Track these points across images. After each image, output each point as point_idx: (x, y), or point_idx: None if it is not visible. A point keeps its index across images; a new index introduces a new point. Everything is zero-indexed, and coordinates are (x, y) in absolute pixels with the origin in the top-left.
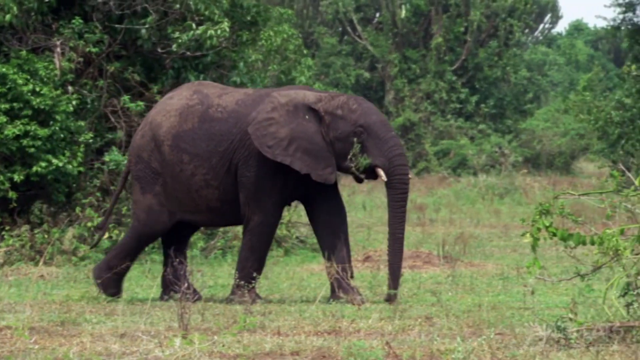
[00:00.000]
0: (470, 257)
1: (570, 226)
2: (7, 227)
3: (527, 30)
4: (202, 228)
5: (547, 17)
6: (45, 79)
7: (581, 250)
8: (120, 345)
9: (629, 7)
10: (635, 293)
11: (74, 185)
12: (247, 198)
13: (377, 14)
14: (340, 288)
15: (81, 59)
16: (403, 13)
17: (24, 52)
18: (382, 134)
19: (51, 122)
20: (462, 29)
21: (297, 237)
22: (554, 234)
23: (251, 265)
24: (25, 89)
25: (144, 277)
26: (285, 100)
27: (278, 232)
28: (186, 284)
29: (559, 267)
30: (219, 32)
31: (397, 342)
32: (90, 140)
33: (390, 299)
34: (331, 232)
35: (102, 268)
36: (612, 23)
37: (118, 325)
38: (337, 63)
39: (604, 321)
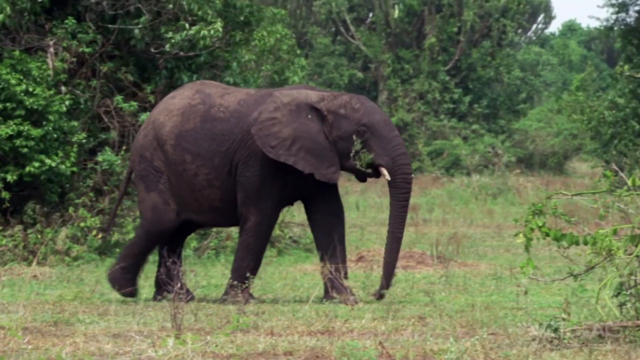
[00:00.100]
0: (464, 257)
1: (564, 226)
2: (0, 228)
3: (520, 31)
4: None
5: (540, 18)
6: (38, 79)
7: (574, 250)
8: (113, 346)
9: (622, 8)
10: (628, 293)
11: (67, 185)
12: (245, 198)
13: (370, 14)
14: (333, 288)
15: (74, 59)
16: (396, 13)
17: (17, 52)
18: (386, 133)
19: (44, 122)
20: (455, 29)
21: (290, 237)
22: (547, 234)
23: (247, 265)
24: (18, 89)
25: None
26: (287, 99)
27: None
28: (179, 284)
29: (552, 267)
30: (212, 32)
31: (390, 342)
32: (84, 141)
33: (380, 296)
34: (327, 232)
35: (115, 269)
36: (605, 23)
37: (111, 326)
38: (331, 63)
39: (597, 321)
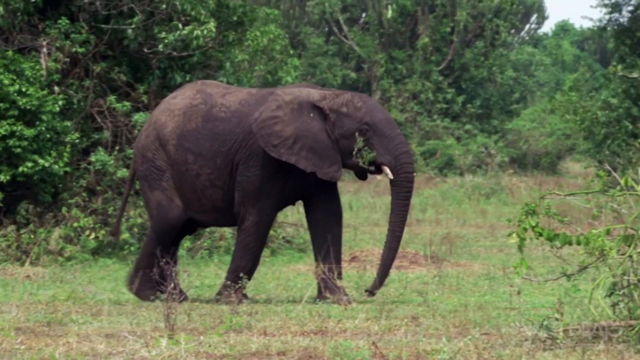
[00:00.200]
0: (457, 257)
1: (557, 226)
2: None
3: (513, 31)
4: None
5: (533, 18)
6: (31, 79)
7: (567, 250)
8: (106, 346)
9: (615, 8)
10: (621, 293)
11: (60, 185)
12: (244, 197)
13: (364, 14)
14: (326, 288)
15: (67, 59)
16: (389, 13)
17: (10, 52)
18: (388, 131)
19: (37, 123)
20: (449, 29)
21: (283, 237)
22: (540, 234)
23: (245, 265)
24: (11, 89)
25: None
26: (289, 98)
27: None
28: (172, 284)
29: (545, 267)
30: (205, 32)
31: (383, 342)
32: (77, 141)
33: (371, 293)
34: (324, 232)
35: (133, 273)
36: (598, 24)
37: (104, 326)
38: (324, 63)
39: (590, 321)
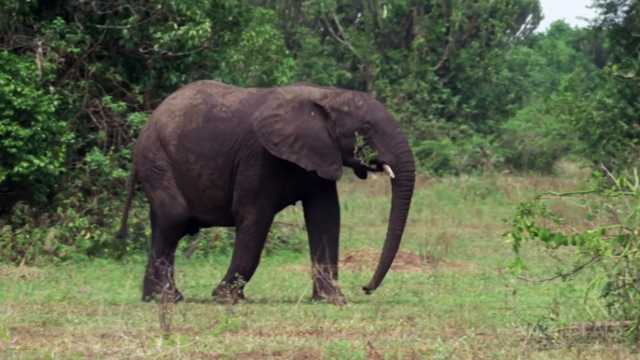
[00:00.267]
0: (452, 257)
1: (552, 226)
2: None
3: (508, 31)
4: None
5: (529, 18)
6: (26, 79)
7: (563, 250)
8: (101, 346)
9: (610, 8)
10: (616, 293)
11: (56, 185)
12: (243, 196)
13: (359, 15)
14: (322, 288)
15: (63, 59)
16: (385, 13)
17: (5, 53)
18: (389, 130)
19: (33, 123)
20: (444, 30)
21: (279, 238)
22: (536, 234)
23: (245, 265)
24: (6, 89)
25: (126, 277)
26: (290, 96)
27: None
28: (168, 284)
29: (540, 267)
30: (200, 32)
31: (378, 342)
32: (72, 141)
33: (368, 289)
34: (321, 232)
35: (149, 277)
36: (593, 24)
37: (99, 326)
38: (319, 63)
39: (585, 321)
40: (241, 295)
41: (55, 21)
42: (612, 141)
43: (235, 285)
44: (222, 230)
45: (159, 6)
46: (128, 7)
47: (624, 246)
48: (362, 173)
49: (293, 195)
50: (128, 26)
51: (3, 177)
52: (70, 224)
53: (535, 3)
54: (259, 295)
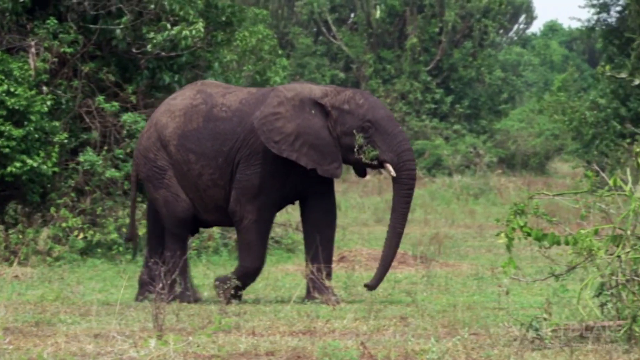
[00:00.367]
0: (445, 257)
1: (545, 226)
2: None
3: (501, 31)
4: None
5: (522, 18)
6: (19, 79)
7: (555, 250)
8: (94, 346)
9: (603, 8)
10: (609, 293)
11: (49, 185)
12: (241, 195)
13: (352, 15)
14: (315, 288)
15: (56, 59)
16: (378, 13)
17: None
18: (390, 128)
19: (26, 123)
20: (437, 30)
21: (272, 238)
22: (529, 234)
23: (251, 265)
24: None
25: (119, 277)
26: (291, 94)
27: None
28: (161, 285)
29: (533, 267)
30: (193, 32)
31: (372, 342)
32: (65, 141)
33: (370, 287)
34: (316, 232)
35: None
36: (586, 24)
37: (93, 326)
38: (312, 63)
39: (578, 321)
40: (238, 297)
41: (48, 21)
42: (605, 141)
43: (228, 285)
44: (215, 231)
45: (152, 6)
46: (121, 7)
47: (617, 246)
48: (361, 171)
49: (293, 194)
50: (121, 26)
51: None
52: (63, 224)
53: (528, 3)
54: (252, 295)
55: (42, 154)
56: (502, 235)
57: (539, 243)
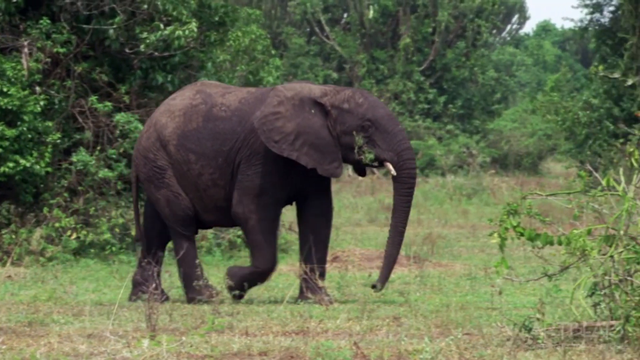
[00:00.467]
0: (438, 257)
1: (538, 226)
2: None
3: (494, 31)
4: None
5: (515, 18)
6: (12, 80)
7: (549, 250)
8: (87, 346)
9: (596, 8)
10: (602, 293)
11: (42, 185)
12: (243, 196)
13: (345, 15)
14: (308, 288)
15: (49, 60)
16: (371, 14)
17: None
18: (390, 127)
19: (19, 123)
20: (430, 30)
21: None
22: (522, 234)
23: (263, 265)
24: None
25: (112, 277)
26: (291, 94)
27: None
28: (154, 285)
29: (526, 268)
30: (186, 32)
31: (365, 342)
32: (58, 141)
33: (376, 288)
34: (312, 232)
35: (187, 283)
36: (579, 24)
37: (86, 326)
38: (305, 63)
39: (571, 321)
40: (240, 295)
41: (41, 21)
42: (598, 141)
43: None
44: (209, 231)
45: (145, 6)
46: (114, 7)
47: (610, 246)
48: (361, 170)
49: (293, 193)
50: (114, 26)
51: None
52: (57, 224)
53: (521, 3)
54: (245, 295)
55: (35, 154)
56: (495, 235)
57: (532, 243)
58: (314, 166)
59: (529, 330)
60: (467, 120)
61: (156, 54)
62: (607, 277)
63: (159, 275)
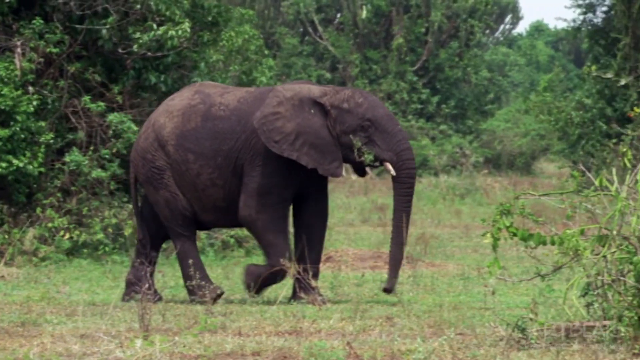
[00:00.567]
0: (432, 257)
1: (531, 226)
2: None
3: (487, 31)
4: None
5: (508, 18)
6: (5, 80)
7: (542, 250)
8: (80, 346)
9: (589, 8)
10: (595, 293)
11: (35, 185)
12: (250, 197)
13: (338, 15)
14: (301, 288)
15: (42, 60)
16: (364, 14)
17: None
18: (390, 127)
19: (12, 123)
20: (423, 30)
21: None
22: (515, 234)
23: (278, 262)
24: None
25: (105, 277)
26: (290, 94)
27: (239, 232)
28: (147, 285)
29: (519, 268)
30: (179, 32)
31: (358, 342)
32: (51, 141)
33: (388, 290)
34: (307, 232)
35: (188, 285)
36: (572, 24)
37: (79, 326)
38: (298, 63)
39: (564, 321)
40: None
41: (34, 21)
42: (591, 141)
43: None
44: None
45: (138, 6)
46: (107, 7)
47: (603, 246)
48: (361, 170)
49: (297, 192)
50: (107, 26)
51: None
52: (50, 224)
53: (514, 3)
54: (238, 295)
55: (28, 154)
56: (488, 235)
57: (525, 243)
58: (314, 166)
59: (522, 330)
60: (460, 121)
61: (149, 54)
62: (600, 277)
63: (152, 275)
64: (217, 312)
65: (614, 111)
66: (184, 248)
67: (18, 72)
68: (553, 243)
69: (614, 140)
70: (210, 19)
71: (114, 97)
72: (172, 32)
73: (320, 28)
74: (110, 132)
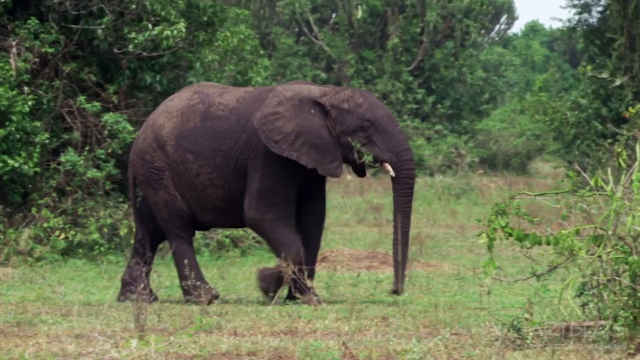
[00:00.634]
0: (427, 257)
1: (526, 226)
2: None
3: (483, 31)
4: None
5: (503, 18)
6: (0, 80)
7: (537, 250)
8: (76, 346)
9: (585, 9)
10: (590, 293)
11: (30, 185)
12: (255, 199)
13: (334, 15)
14: (297, 288)
15: (37, 60)
16: (359, 14)
17: None
18: (390, 128)
19: (7, 123)
20: (419, 30)
21: (253, 238)
22: (510, 234)
23: (289, 262)
24: None
25: (100, 277)
26: (290, 94)
27: (234, 232)
28: (143, 285)
29: (515, 268)
30: (175, 32)
31: (353, 342)
32: (46, 141)
33: (395, 292)
34: (303, 232)
35: (184, 286)
36: (567, 24)
37: (74, 326)
38: (294, 64)
39: (559, 321)
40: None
41: (29, 21)
42: (586, 141)
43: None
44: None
45: (134, 6)
46: (102, 7)
47: (598, 246)
48: (360, 170)
49: (300, 190)
50: (102, 26)
51: None
52: (45, 225)
53: (509, 3)
54: (234, 295)
55: (23, 154)
56: (484, 235)
57: (520, 243)
58: (314, 166)
59: (518, 330)
60: (455, 121)
61: (144, 54)
62: (595, 277)
63: (147, 275)
64: (212, 312)
65: (609, 111)
66: (180, 248)
67: (13, 72)
68: (548, 243)
69: (610, 141)
70: (205, 19)
71: (109, 97)
72: (167, 32)
73: (315, 28)
74: (106, 132)
